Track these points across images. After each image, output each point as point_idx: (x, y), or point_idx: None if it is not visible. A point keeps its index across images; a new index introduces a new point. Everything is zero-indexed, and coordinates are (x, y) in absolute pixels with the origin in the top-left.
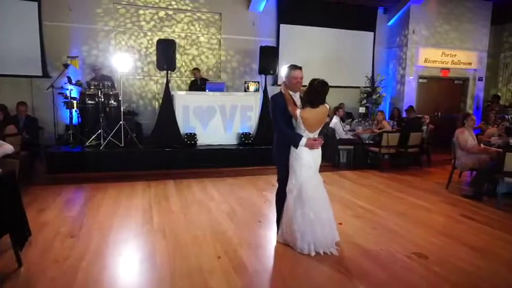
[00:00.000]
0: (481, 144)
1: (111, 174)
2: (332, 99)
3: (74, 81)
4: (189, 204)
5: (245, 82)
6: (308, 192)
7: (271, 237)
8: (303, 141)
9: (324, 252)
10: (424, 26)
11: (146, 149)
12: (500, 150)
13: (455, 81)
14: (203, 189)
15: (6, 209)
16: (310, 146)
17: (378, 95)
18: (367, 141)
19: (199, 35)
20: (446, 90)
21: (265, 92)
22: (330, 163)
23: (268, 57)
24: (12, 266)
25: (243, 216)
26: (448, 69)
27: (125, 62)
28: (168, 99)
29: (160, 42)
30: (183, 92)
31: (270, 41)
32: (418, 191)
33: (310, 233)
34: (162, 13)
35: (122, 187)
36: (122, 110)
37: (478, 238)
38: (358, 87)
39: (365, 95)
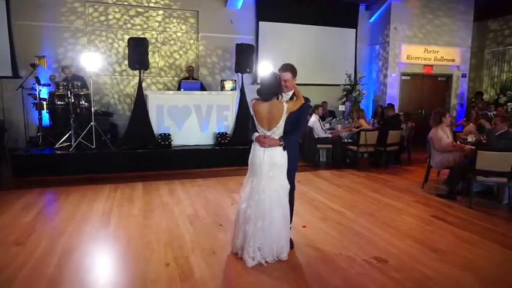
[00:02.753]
0: (457, 142)
1: (80, 177)
2: (314, 97)
3: (42, 82)
4: (152, 207)
5: (221, 81)
6: (246, 193)
7: (228, 242)
8: (255, 135)
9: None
10: (406, 22)
11: (118, 151)
12: (474, 147)
13: (439, 78)
14: (171, 191)
15: None
16: (258, 141)
17: (357, 92)
18: (346, 140)
19: (173, 32)
20: (430, 87)
21: (242, 90)
22: (309, 163)
23: (245, 55)
24: None
25: (205, 219)
26: (431, 66)
27: (93, 61)
28: (141, 99)
29: (131, 40)
30: (156, 92)
31: (249, 39)
32: (393, 190)
33: (241, 235)
34: (133, 11)
35: (87, 190)
36: (92, 110)
37: (445, 240)
38: (339, 85)
39: (345, 92)
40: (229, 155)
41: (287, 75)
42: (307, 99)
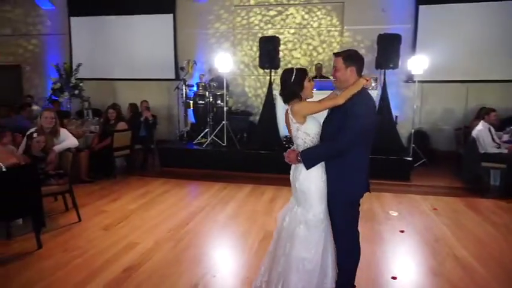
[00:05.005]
0: None
1: (203, 172)
2: (488, 98)
3: (190, 83)
4: (240, 213)
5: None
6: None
7: None
8: None
9: None
10: None
11: (243, 150)
12: None
13: None
14: (273, 199)
15: (25, 195)
16: None
17: None
18: None
19: (313, 28)
20: None
21: (384, 89)
22: (469, 185)
23: (389, 48)
24: (33, 247)
25: None
26: None
27: (225, 62)
28: (269, 99)
29: (262, 40)
30: None
31: (405, 28)
32: None
33: (265, 270)
34: (273, 11)
35: (200, 186)
36: (224, 110)
37: None
38: None
39: None
40: None
41: (336, 62)
42: (361, 98)
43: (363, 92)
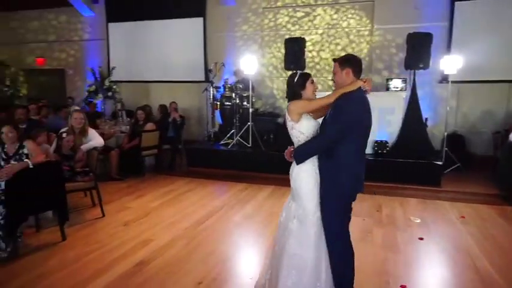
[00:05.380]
0: None
1: (227, 172)
2: None
3: (217, 85)
4: (259, 213)
5: (387, 80)
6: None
7: None
8: None
9: None
10: None
11: (267, 152)
12: None
13: None
14: None
15: (50, 191)
16: None
17: None
18: None
19: (341, 29)
20: None
21: (413, 90)
22: (503, 192)
23: (419, 47)
24: (58, 239)
25: None
26: None
27: (250, 64)
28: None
29: (288, 41)
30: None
31: (439, 26)
32: None
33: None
34: (300, 13)
35: (222, 186)
36: (250, 111)
37: None
38: None
39: None
40: (386, 168)
41: (334, 66)
42: (354, 96)
43: (358, 93)
